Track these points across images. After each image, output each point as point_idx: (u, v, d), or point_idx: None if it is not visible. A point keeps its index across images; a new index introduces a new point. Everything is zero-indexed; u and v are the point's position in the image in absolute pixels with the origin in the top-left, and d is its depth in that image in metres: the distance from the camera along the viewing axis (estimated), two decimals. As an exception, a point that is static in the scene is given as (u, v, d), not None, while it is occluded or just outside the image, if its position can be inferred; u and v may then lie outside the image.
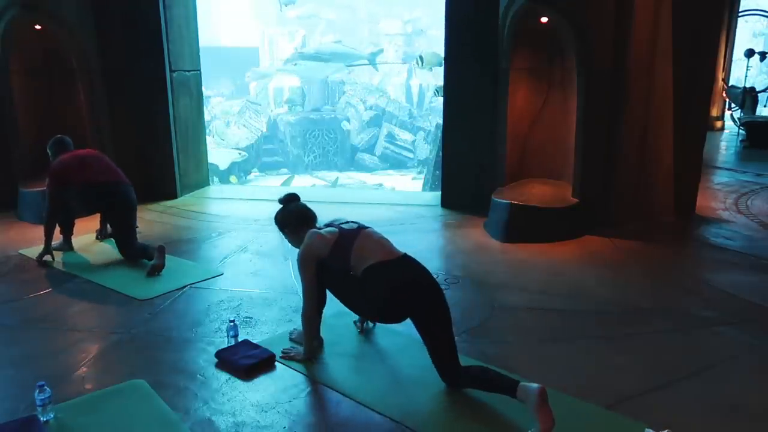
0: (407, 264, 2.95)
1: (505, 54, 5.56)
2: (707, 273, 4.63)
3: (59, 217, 4.76)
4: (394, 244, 3.06)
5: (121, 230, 4.75)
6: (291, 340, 3.40)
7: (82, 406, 2.79)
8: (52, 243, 4.74)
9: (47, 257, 4.68)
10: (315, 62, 21.23)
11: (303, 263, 3.05)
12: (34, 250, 4.93)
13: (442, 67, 6.24)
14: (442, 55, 6.29)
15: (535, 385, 2.50)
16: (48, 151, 4.91)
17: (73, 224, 4.98)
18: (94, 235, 5.28)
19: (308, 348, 3.18)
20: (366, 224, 3.14)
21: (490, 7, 5.66)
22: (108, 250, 5.04)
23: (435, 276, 4.36)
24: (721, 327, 3.62)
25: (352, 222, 3.13)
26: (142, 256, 4.63)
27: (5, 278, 4.47)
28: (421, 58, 14.31)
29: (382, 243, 3.02)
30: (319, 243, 3.02)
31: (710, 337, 3.53)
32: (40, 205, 5.73)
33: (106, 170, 4.76)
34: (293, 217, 3.24)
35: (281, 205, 3.32)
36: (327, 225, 3.17)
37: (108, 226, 5.18)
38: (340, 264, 2.97)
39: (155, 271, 4.42)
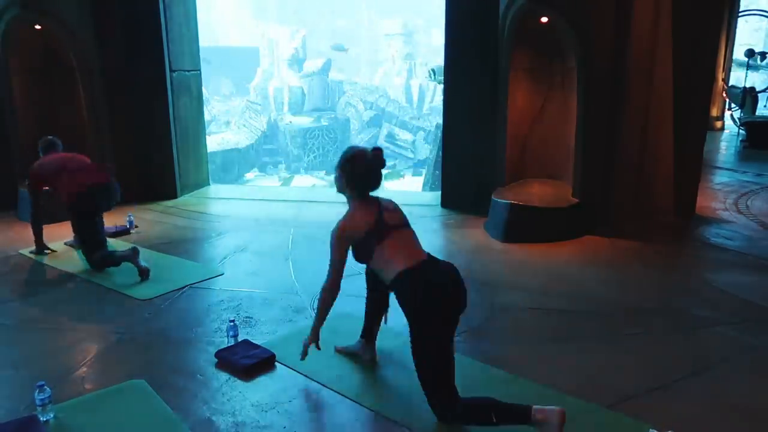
0: (433, 266, 2.75)
1: (505, 54, 5.56)
2: (707, 273, 4.63)
3: (42, 215, 4.76)
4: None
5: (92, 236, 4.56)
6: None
7: (82, 406, 2.79)
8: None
9: (46, 251, 4.81)
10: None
11: (336, 238, 2.79)
12: (34, 251, 4.94)
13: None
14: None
15: (554, 407, 2.39)
16: (39, 152, 4.89)
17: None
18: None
19: (316, 325, 2.97)
20: (405, 219, 2.88)
21: (490, 8, 5.66)
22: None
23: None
24: (721, 327, 3.62)
25: (396, 211, 2.86)
26: (110, 264, 4.48)
27: (5, 278, 4.47)
28: (433, 71, 14.42)
29: (411, 245, 2.80)
30: (358, 222, 2.77)
31: (710, 337, 3.52)
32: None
33: (88, 172, 4.61)
34: (359, 169, 2.80)
35: (372, 151, 2.87)
36: (372, 199, 2.86)
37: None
38: (363, 256, 2.81)
39: (143, 274, 4.33)
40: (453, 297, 2.65)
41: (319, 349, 3.01)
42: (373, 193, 2.87)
